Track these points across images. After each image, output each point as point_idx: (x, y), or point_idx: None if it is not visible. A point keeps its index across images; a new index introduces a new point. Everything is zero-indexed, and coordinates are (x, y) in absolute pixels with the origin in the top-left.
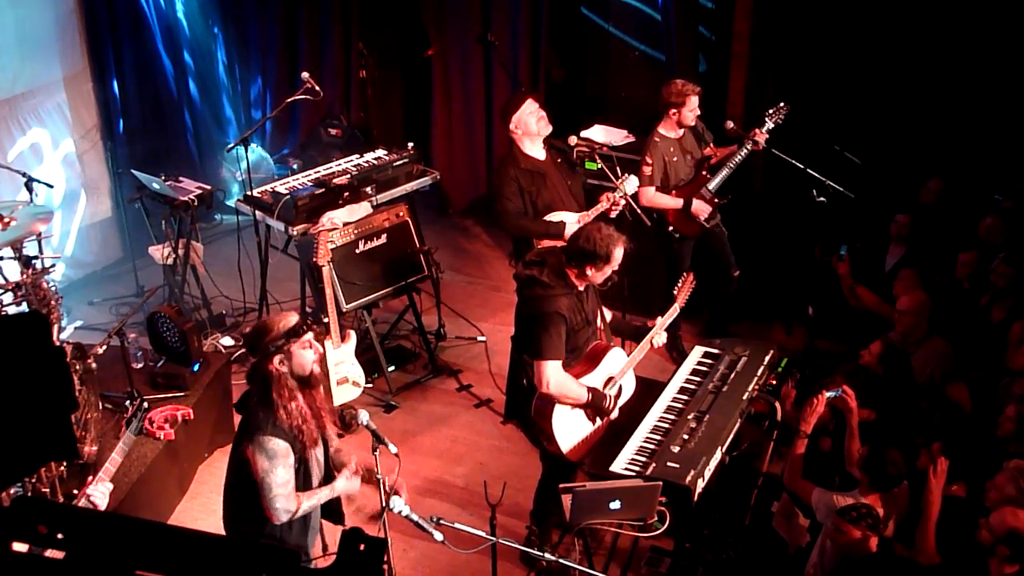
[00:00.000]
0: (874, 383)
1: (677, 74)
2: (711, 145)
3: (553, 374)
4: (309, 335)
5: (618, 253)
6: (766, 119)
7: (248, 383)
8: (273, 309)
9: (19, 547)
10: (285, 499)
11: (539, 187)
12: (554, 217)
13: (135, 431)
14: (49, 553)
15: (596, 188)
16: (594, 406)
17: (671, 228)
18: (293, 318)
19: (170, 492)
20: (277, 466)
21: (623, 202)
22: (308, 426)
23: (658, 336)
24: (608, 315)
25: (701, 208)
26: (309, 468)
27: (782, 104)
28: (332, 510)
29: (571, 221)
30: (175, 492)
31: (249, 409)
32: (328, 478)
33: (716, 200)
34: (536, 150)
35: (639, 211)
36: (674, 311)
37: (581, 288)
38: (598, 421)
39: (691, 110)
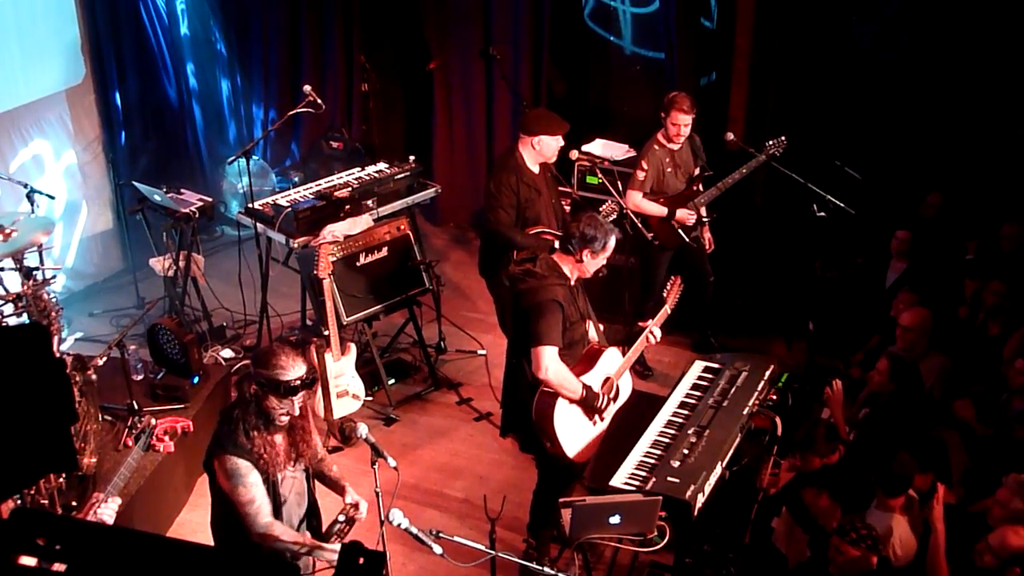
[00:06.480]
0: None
1: (678, 87)
2: (703, 164)
3: (552, 360)
4: (290, 400)
5: (612, 243)
6: (765, 149)
7: (235, 388)
8: (273, 322)
9: (27, 560)
10: (252, 517)
11: (532, 200)
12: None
13: (143, 447)
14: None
15: (591, 201)
16: (587, 403)
17: (651, 235)
18: (297, 371)
19: (170, 504)
20: (236, 485)
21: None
22: (271, 452)
23: (653, 332)
24: (601, 327)
25: (685, 215)
26: (278, 488)
27: (783, 138)
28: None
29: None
30: (175, 504)
31: (220, 421)
32: (311, 496)
33: (704, 216)
34: (535, 164)
35: (640, 226)
36: (665, 313)
37: (572, 282)
38: (597, 421)
39: (674, 123)
